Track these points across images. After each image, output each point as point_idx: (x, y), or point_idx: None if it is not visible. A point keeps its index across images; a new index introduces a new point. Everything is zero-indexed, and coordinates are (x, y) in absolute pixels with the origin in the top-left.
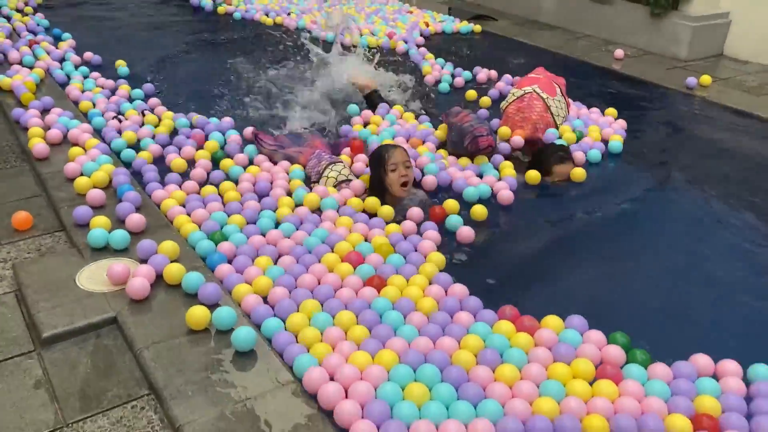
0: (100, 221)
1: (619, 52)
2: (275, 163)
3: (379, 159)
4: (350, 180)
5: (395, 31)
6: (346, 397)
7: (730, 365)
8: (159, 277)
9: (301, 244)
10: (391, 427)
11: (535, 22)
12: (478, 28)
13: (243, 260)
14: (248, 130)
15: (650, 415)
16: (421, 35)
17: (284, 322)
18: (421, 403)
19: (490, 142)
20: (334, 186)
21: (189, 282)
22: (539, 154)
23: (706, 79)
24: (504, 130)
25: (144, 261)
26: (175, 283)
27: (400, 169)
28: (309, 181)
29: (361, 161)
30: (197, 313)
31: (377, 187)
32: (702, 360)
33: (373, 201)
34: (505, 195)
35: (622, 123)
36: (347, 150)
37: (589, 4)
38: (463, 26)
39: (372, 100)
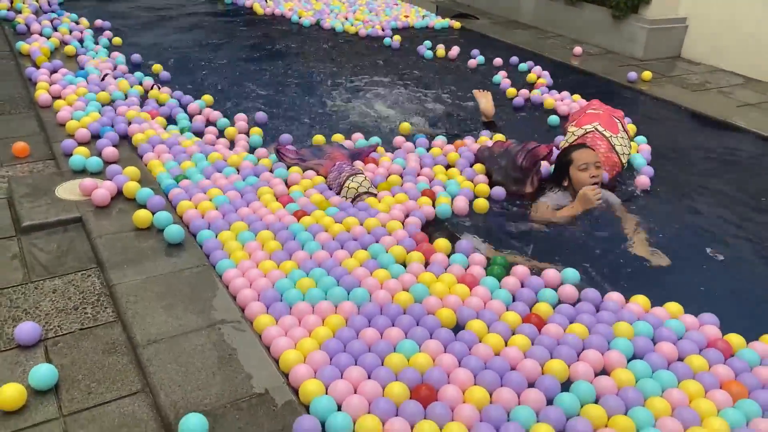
0: (81, 150)
1: (577, 50)
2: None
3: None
4: (370, 192)
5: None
6: (251, 286)
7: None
8: (121, 193)
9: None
10: (277, 306)
11: (514, 22)
12: (457, 24)
13: (200, 196)
14: (269, 149)
15: (487, 310)
16: (396, 27)
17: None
18: (305, 290)
19: (549, 147)
20: (354, 198)
21: (141, 195)
22: None
23: (646, 74)
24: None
25: (110, 180)
26: (131, 197)
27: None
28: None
29: (370, 171)
30: (141, 214)
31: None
32: (550, 273)
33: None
34: (461, 205)
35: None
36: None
37: (561, 6)
38: (445, 22)
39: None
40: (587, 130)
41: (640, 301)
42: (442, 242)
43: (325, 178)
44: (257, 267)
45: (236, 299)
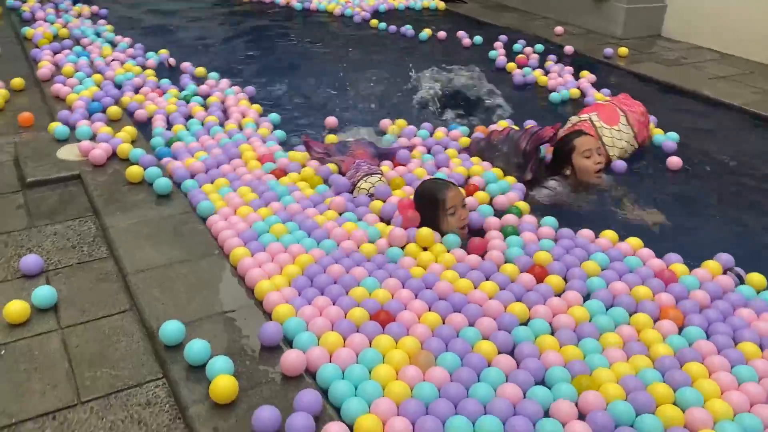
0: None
1: (558, 29)
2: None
3: (433, 202)
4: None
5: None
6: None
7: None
8: (116, 154)
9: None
10: (253, 245)
11: (502, 6)
12: (441, 5)
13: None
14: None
15: (487, 261)
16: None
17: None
18: (279, 235)
19: (554, 128)
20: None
21: (134, 154)
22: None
23: (623, 50)
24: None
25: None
26: (125, 158)
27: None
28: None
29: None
30: (134, 169)
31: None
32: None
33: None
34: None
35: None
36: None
37: None
38: (432, 4)
39: None
40: (581, 119)
41: (608, 235)
42: (425, 231)
43: (344, 175)
44: (235, 213)
45: (217, 239)
